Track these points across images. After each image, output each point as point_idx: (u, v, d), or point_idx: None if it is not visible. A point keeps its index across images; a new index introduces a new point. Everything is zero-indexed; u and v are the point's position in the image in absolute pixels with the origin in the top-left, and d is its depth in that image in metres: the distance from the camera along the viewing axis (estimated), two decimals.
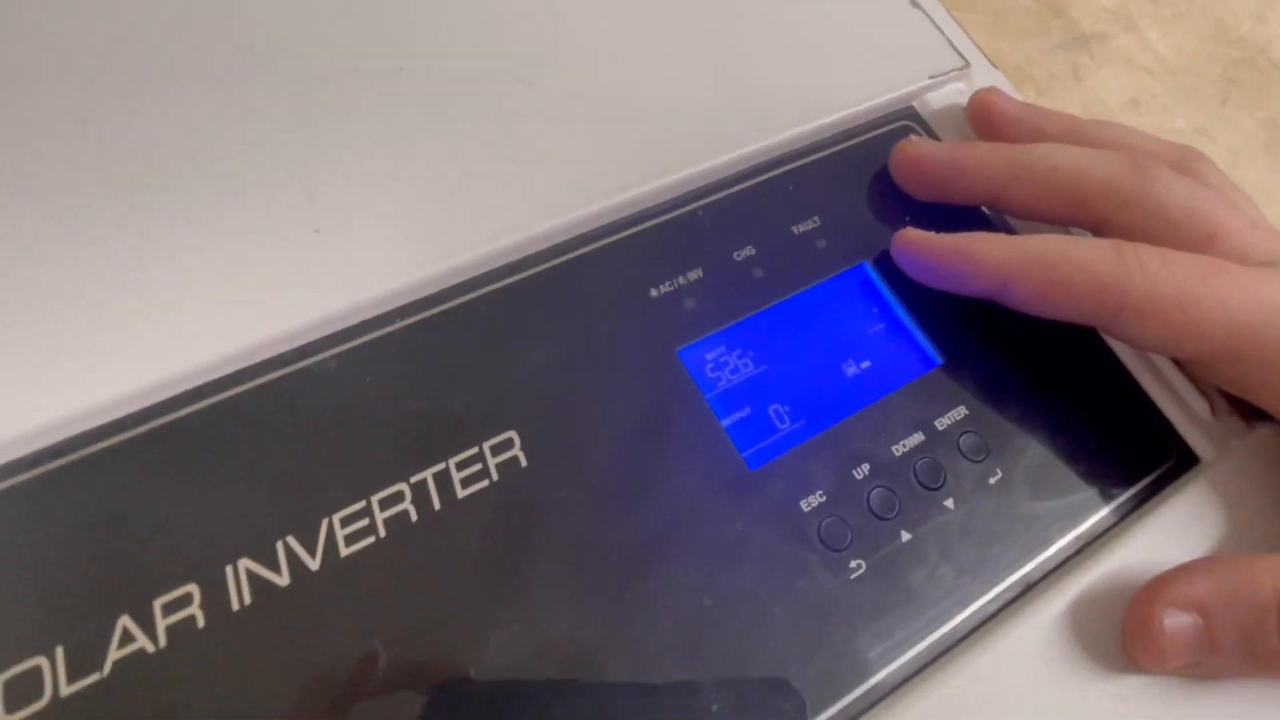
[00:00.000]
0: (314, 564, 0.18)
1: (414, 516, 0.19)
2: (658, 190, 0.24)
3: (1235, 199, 0.25)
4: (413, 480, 0.20)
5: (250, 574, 0.18)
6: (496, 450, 0.20)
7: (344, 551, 0.19)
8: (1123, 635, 0.20)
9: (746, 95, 0.27)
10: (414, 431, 0.20)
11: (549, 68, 0.26)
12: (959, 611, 0.21)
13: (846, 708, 0.19)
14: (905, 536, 0.21)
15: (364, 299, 0.21)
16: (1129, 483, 0.23)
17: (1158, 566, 0.21)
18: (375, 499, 0.19)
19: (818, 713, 0.19)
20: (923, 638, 0.20)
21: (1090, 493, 0.23)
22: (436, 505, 0.20)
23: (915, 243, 0.24)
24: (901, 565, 0.21)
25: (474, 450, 0.20)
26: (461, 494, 0.20)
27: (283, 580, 0.18)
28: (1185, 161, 0.25)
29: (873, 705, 0.19)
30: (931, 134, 0.28)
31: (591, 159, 0.25)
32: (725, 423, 0.22)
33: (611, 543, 0.20)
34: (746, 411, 0.22)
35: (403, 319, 0.21)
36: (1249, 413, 0.25)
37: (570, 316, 0.22)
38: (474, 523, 0.20)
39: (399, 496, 0.19)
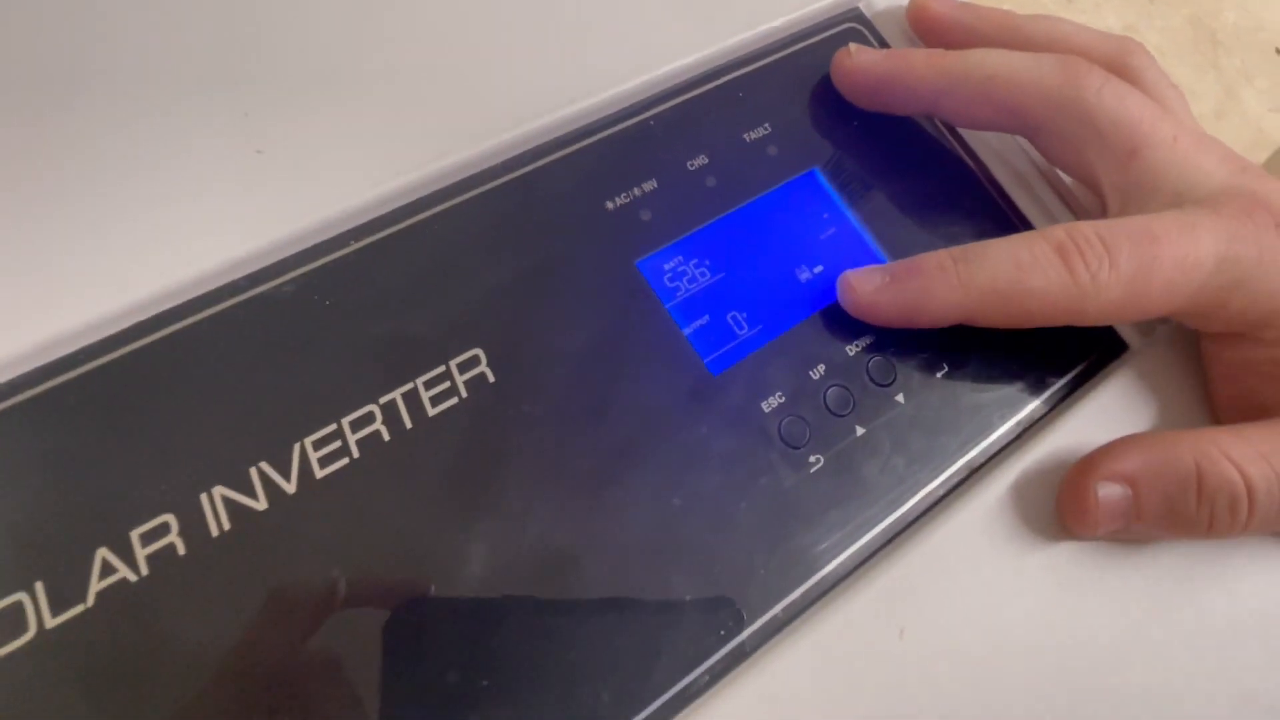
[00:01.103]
0: (290, 487, 0.19)
1: (386, 436, 0.20)
2: (607, 101, 0.24)
3: (1167, 97, 0.26)
4: (382, 401, 0.20)
5: (226, 500, 0.18)
6: (463, 368, 0.21)
7: (319, 473, 0.19)
8: (1058, 507, 0.22)
9: (691, 2, 0.26)
10: (379, 353, 0.20)
11: None
12: (909, 498, 0.22)
13: (808, 590, 0.21)
14: (860, 431, 0.22)
15: (315, 221, 0.21)
16: (1063, 370, 0.25)
17: (1089, 446, 0.22)
18: (346, 421, 0.19)
19: (782, 596, 0.20)
20: (876, 524, 0.22)
21: (1029, 381, 0.24)
22: (408, 424, 0.20)
23: (848, 67, 0.25)
24: (857, 458, 0.22)
25: (441, 369, 0.20)
26: (432, 412, 0.20)
27: (260, 504, 0.18)
28: (1122, 57, 0.25)
29: (831, 587, 0.21)
30: (878, 36, 0.28)
31: (540, 72, 0.24)
32: (686, 331, 0.23)
33: (582, 452, 0.21)
34: (706, 319, 0.23)
35: (356, 240, 0.21)
36: None
37: (528, 231, 0.22)
38: (447, 439, 0.20)
39: (369, 418, 0.20)
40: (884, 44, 0.28)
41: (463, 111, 0.23)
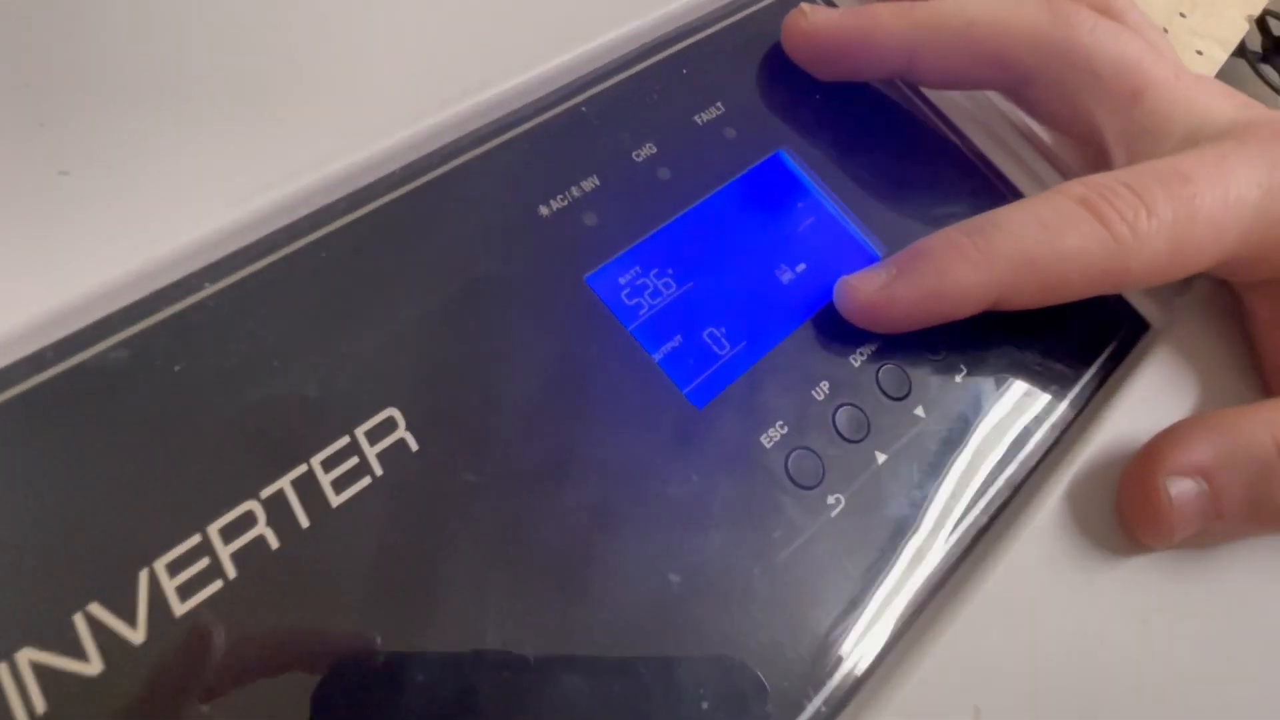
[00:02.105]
0: (136, 635, 0.13)
1: (274, 543, 0.14)
2: (529, 85, 0.19)
3: (1154, 39, 0.23)
4: (264, 495, 0.14)
5: (39, 668, 0.13)
6: (375, 436, 0.15)
7: (180, 608, 0.13)
8: (1122, 516, 0.18)
9: None
10: (256, 431, 0.15)
11: None
12: (951, 533, 0.18)
13: (851, 674, 0.16)
14: (881, 458, 0.18)
15: (152, 261, 0.15)
16: (1089, 359, 0.21)
17: (1139, 441, 0.19)
18: (214, 529, 0.14)
19: (820, 685, 0.16)
20: (919, 572, 0.17)
21: (1055, 375, 0.21)
22: (304, 522, 0.14)
23: (804, 30, 0.22)
24: (883, 491, 0.18)
25: (344, 441, 0.15)
26: (336, 500, 0.15)
27: (91, 667, 0.13)
28: (1104, 1, 0.23)
29: (878, 665, 0.16)
30: (829, 0, 0.24)
31: (442, 55, 0.19)
32: (657, 357, 0.18)
33: (545, 526, 0.16)
34: (679, 341, 0.18)
35: (213, 282, 0.16)
36: None
37: (444, 251, 0.17)
38: (360, 535, 0.15)
39: (248, 520, 0.14)
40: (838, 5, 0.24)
41: (346, 107, 0.18)
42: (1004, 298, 0.19)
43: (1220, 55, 0.61)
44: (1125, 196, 0.18)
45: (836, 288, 0.19)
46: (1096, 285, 0.19)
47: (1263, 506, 0.17)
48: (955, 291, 0.18)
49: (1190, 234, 0.18)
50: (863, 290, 0.19)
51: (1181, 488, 0.18)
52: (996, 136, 0.24)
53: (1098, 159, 0.22)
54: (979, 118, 0.24)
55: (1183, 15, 0.60)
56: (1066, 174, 0.24)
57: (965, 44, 0.21)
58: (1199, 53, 0.62)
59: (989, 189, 0.23)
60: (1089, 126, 0.22)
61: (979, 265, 0.18)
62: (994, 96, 0.25)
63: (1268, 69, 1.19)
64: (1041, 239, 0.18)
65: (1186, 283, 0.23)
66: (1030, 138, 0.25)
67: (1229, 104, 0.21)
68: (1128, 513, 0.18)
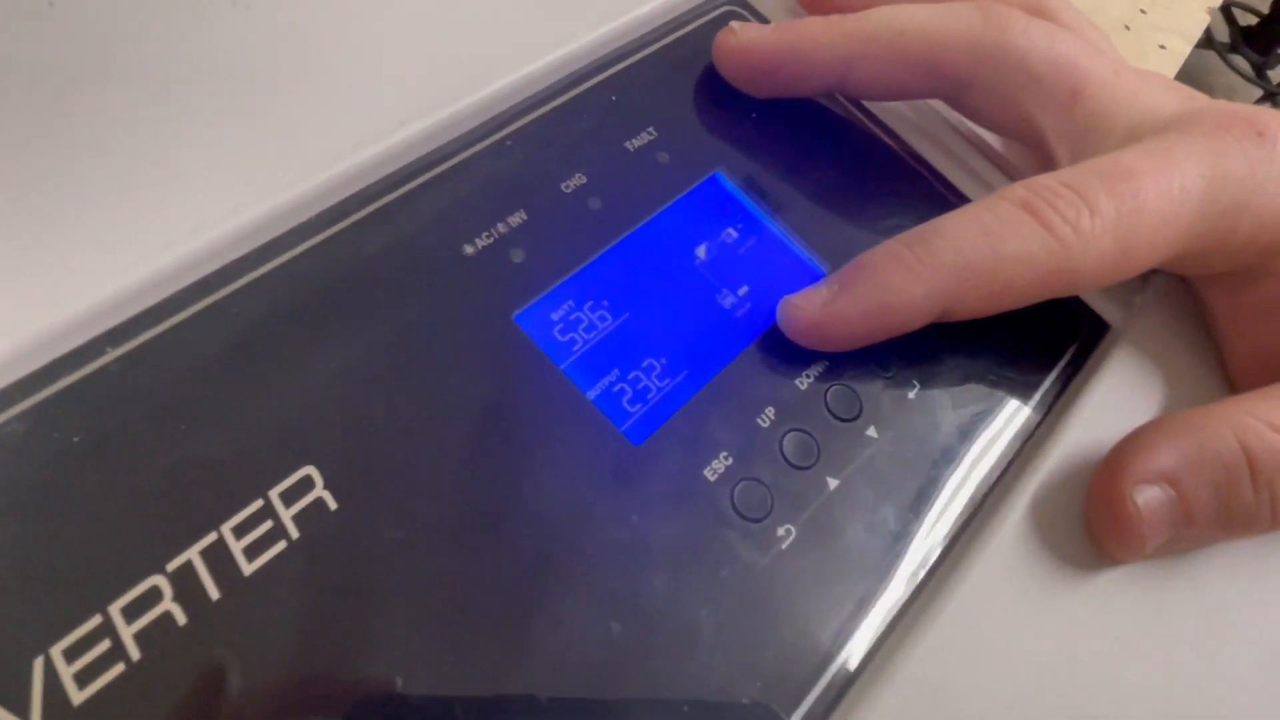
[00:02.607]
0: None
1: (181, 618, 0.13)
2: (448, 122, 0.19)
3: (1091, 36, 0.22)
4: (171, 568, 0.14)
5: None
6: (291, 496, 0.15)
7: (77, 697, 0.13)
8: (1090, 530, 0.18)
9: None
10: (161, 498, 0.14)
11: None
12: (911, 557, 0.17)
13: (817, 702, 0.15)
14: (833, 483, 0.18)
15: (46, 329, 0.15)
16: (1048, 365, 0.20)
17: (1104, 448, 0.18)
18: (116, 608, 0.13)
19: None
20: (879, 600, 0.17)
21: (1014, 385, 0.20)
22: (213, 594, 0.14)
23: (735, 49, 0.21)
24: (837, 519, 0.17)
25: (257, 504, 0.15)
26: (249, 568, 0.14)
27: None
28: (1037, 2, 0.22)
29: (846, 691, 0.16)
30: (760, 17, 0.24)
31: (354, 96, 0.19)
32: (591, 394, 0.17)
33: (476, 581, 0.15)
34: (615, 375, 0.18)
35: (114, 346, 0.15)
36: None
37: (361, 300, 0.17)
38: (276, 605, 0.14)
39: (153, 596, 0.13)
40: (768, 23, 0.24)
41: (253, 155, 0.17)
42: (950, 307, 0.18)
43: (1184, 48, 0.61)
44: (1066, 196, 0.18)
45: (780, 308, 0.19)
46: (1044, 289, 0.18)
47: (1232, 510, 0.17)
48: (899, 304, 0.18)
49: (1137, 230, 0.18)
50: (805, 309, 0.18)
51: (1149, 496, 0.17)
52: (941, 144, 0.24)
53: (1045, 162, 0.22)
54: (922, 126, 0.24)
55: (1143, 11, 0.60)
56: (1016, 179, 0.24)
57: (897, 54, 0.21)
58: (1162, 47, 0.62)
59: (935, 198, 0.22)
60: (1031, 129, 0.21)
61: (921, 276, 0.18)
62: (938, 104, 0.24)
63: (1237, 59, 1.20)
64: (982, 245, 0.18)
65: (1145, 279, 0.23)
66: (977, 144, 0.24)
67: (1173, 97, 0.20)
68: (1095, 526, 0.18)
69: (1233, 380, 0.20)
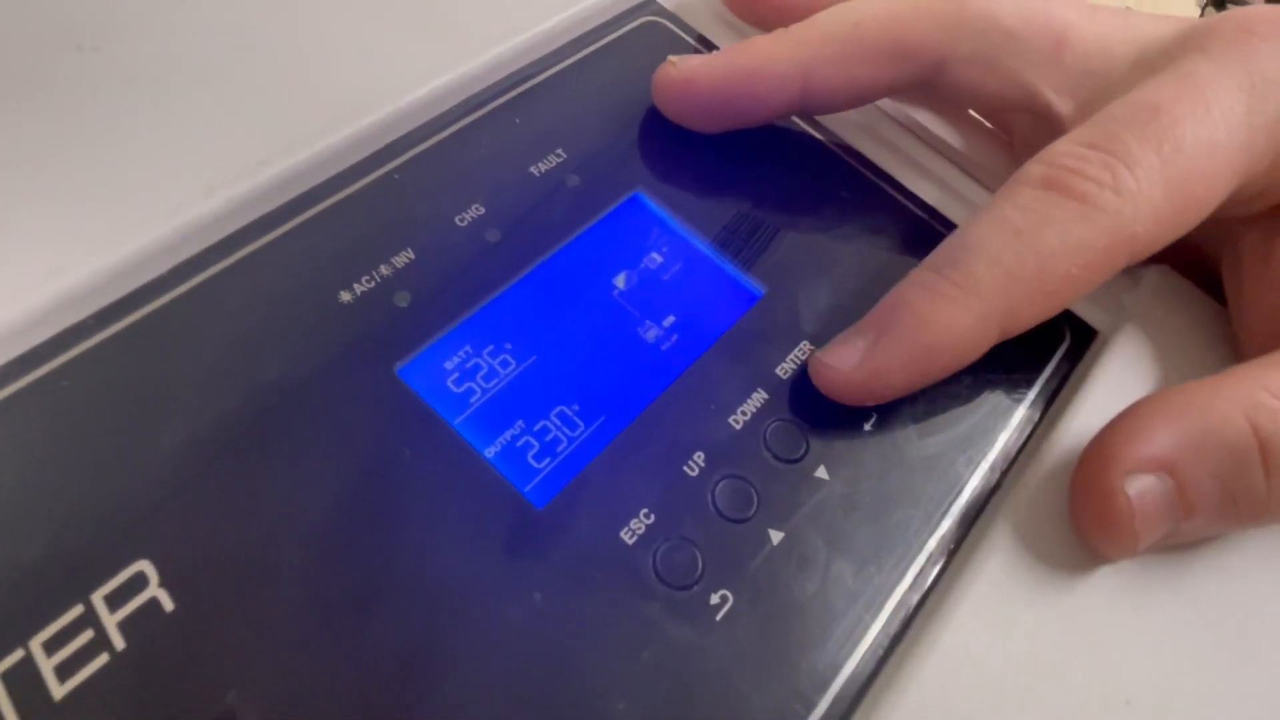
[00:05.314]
0: None
1: None
2: (318, 159, 0.17)
3: None
4: None
5: None
6: (117, 599, 0.13)
7: None
8: (1077, 523, 0.15)
9: (431, 16, 0.20)
10: None
11: (121, 26, 0.18)
12: (875, 615, 0.15)
13: None
14: (776, 537, 0.15)
15: None
16: (1029, 380, 0.18)
17: None
18: None
19: None
20: (840, 673, 0.14)
21: (989, 409, 0.17)
22: None
23: (679, 82, 0.19)
24: (783, 578, 0.15)
25: (76, 611, 0.12)
26: (60, 691, 0.12)
27: None
28: None
29: None
30: (687, 30, 0.22)
31: (218, 131, 0.17)
32: (489, 452, 0.15)
33: (347, 688, 0.13)
34: (519, 428, 0.15)
35: None
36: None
37: (218, 363, 0.15)
38: None
39: None
40: (698, 39, 0.22)
41: (90, 207, 0.15)
42: (1008, 326, 0.16)
43: None
44: (1093, 158, 0.15)
45: (810, 367, 0.17)
46: (1108, 267, 0.16)
47: (1239, 499, 0.14)
48: (946, 341, 0.15)
49: (1188, 169, 0.15)
50: (841, 367, 0.16)
51: (1142, 486, 0.14)
52: (881, 138, 0.21)
53: (1047, 127, 0.19)
54: (861, 122, 0.22)
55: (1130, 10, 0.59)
56: (973, 173, 0.22)
57: (857, 48, 0.19)
58: None
59: (881, 199, 0.20)
60: (1023, 90, 0.19)
61: (963, 303, 0.15)
62: (882, 102, 0.22)
63: None
64: (1019, 248, 0.15)
65: (1135, 278, 0.20)
66: (919, 133, 0.22)
67: (1166, 24, 0.18)
68: (1082, 522, 0.15)
69: (1242, 341, 0.18)
